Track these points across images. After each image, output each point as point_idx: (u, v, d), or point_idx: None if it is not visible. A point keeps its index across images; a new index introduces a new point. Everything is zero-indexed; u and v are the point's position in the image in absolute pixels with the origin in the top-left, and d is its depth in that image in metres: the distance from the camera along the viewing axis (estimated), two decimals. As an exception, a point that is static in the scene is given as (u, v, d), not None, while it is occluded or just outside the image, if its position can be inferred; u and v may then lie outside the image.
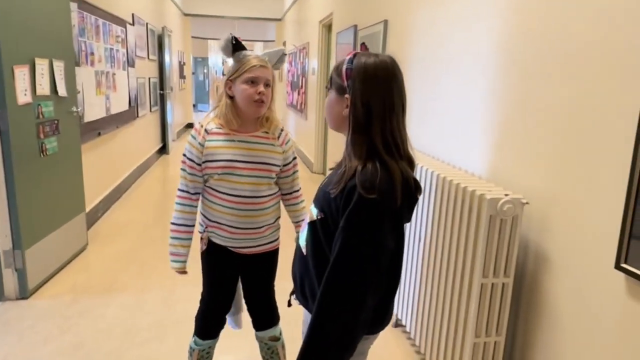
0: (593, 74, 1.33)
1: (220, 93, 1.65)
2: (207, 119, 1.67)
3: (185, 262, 1.67)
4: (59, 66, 2.85)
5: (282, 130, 1.69)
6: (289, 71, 8.90)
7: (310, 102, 6.48)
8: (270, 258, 1.74)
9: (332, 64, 5.13)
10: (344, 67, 1.07)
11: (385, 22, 3.18)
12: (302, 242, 1.19)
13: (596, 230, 1.32)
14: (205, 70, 15.86)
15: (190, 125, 11.06)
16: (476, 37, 1.98)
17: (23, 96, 2.48)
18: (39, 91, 2.63)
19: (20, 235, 2.50)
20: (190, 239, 1.67)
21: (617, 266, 1.23)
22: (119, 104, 4.68)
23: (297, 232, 1.73)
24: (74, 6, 3.32)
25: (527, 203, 1.54)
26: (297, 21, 8.14)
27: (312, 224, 1.13)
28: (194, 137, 1.62)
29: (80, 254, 3.21)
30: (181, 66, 9.80)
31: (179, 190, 1.65)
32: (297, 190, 1.76)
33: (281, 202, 1.74)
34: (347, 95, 1.06)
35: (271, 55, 1.62)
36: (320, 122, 6.07)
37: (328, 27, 5.75)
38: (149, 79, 6.37)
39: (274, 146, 1.64)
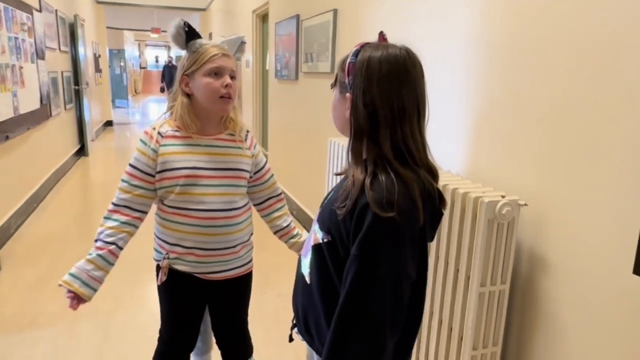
0: (589, 64, 1.24)
1: (175, 91, 1.38)
2: (161, 121, 1.39)
3: (96, 290, 1.30)
4: (-48, 58, 2.35)
5: (247, 132, 1.46)
6: (217, 64, 8.43)
7: (245, 97, 6.16)
8: (244, 283, 1.51)
9: (269, 56, 4.87)
10: (348, 61, 0.89)
11: (335, 11, 3.00)
12: (305, 270, 0.99)
13: (605, 232, 1.24)
14: (122, 63, 14.75)
15: (109, 123, 10.20)
16: (452, 28, 1.86)
17: None
18: None
19: None
20: (113, 264, 1.32)
21: (637, 271, 1.15)
22: (29, 102, 4.08)
23: (290, 236, 1.54)
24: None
25: (525, 205, 1.44)
26: (226, 11, 7.72)
27: (316, 247, 0.94)
28: (144, 143, 1.34)
29: (-8, 281, 2.72)
30: (96, 59, 8.96)
31: (115, 205, 1.32)
32: (279, 194, 1.56)
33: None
34: (348, 94, 0.88)
35: (229, 44, 1.38)
36: (257, 118, 5.78)
37: (263, 18, 5.47)
38: (62, 73, 5.69)
39: (242, 149, 1.41)
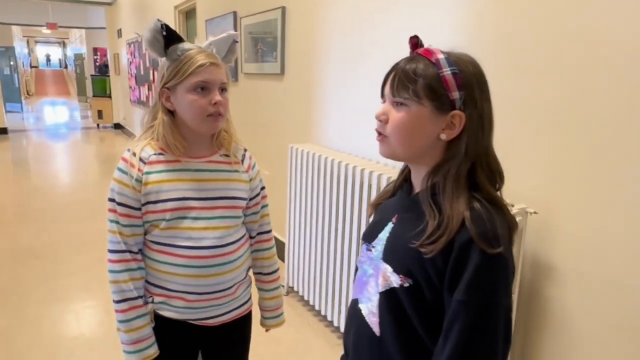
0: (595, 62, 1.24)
1: (154, 107, 1.15)
2: (140, 143, 1.15)
3: (155, 342, 1.16)
4: None
5: (245, 150, 1.26)
6: (130, 63, 7.82)
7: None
8: (243, 326, 1.31)
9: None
10: (447, 71, 0.75)
11: (283, 9, 2.83)
12: (371, 319, 0.84)
13: (617, 238, 1.24)
14: (11, 62, 13.15)
15: (3, 131, 9.01)
16: (432, 24, 1.79)
17: None
18: None
19: None
20: (148, 313, 1.16)
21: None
22: None
23: (270, 288, 1.34)
24: None
25: (535, 213, 1.42)
26: (138, 6, 7.14)
27: (389, 294, 0.80)
28: (124, 172, 1.11)
29: None
30: (-17, 58, 7.84)
31: (114, 252, 1.12)
32: (268, 232, 1.33)
33: None
34: (456, 112, 0.76)
35: (218, 45, 1.14)
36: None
37: (186, 14, 5.11)
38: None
39: (238, 173, 1.20)
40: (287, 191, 2.60)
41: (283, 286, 2.65)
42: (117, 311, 1.13)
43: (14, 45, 13.85)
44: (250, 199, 1.24)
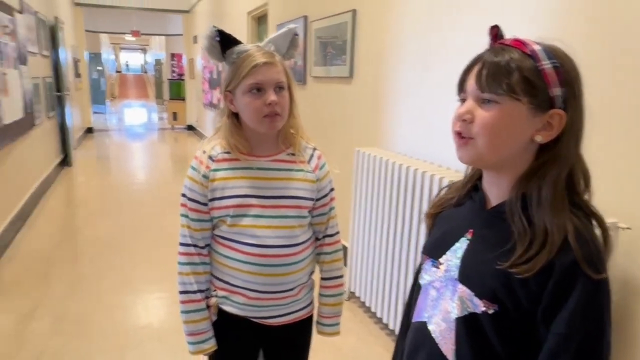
0: None
1: (222, 110, 1.17)
2: (210, 142, 1.17)
3: (213, 337, 1.18)
4: (-64, 66, 2.06)
5: (314, 149, 1.23)
6: (204, 67, 8.18)
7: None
8: (304, 329, 1.29)
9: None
10: (547, 63, 0.67)
11: (354, 12, 2.81)
12: (445, 342, 0.75)
13: None
14: (99, 68, 14.25)
15: (90, 131, 9.77)
16: (507, 23, 1.68)
17: None
18: None
19: None
20: (206, 309, 1.18)
21: None
22: (13, 111, 3.75)
23: (327, 294, 1.28)
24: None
25: (627, 228, 1.28)
26: (214, 13, 7.46)
27: (469, 320, 0.72)
28: (195, 169, 1.14)
29: (-17, 315, 2.43)
30: (75, 63, 8.55)
31: (183, 245, 1.16)
32: (333, 235, 1.27)
33: None
34: (556, 111, 0.68)
35: (278, 42, 1.13)
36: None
37: (258, 19, 5.25)
38: (44, 78, 5.34)
39: (303, 172, 1.17)
40: (351, 195, 2.57)
41: (344, 291, 2.62)
42: (179, 302, 1.16)
43: (101, 51, 14.97)
44: (317, 200, 1.21)
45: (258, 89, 1.07)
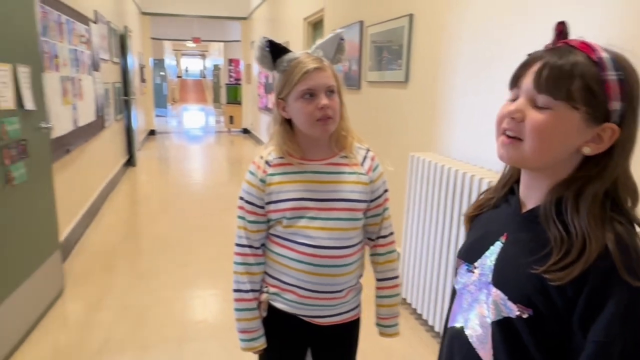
0: None
1: (274, 117, 1.20)
2: (267, 148, 1.21)
3: (263, 336, 1.23)
4: (24, 72, 2.26)
5: (367, 150, 1.24)
6: (260, 73, 8.39)
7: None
8: (351, 330, 1.30)
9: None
10: (612, 75, 0.63)
11: (411, 16, 2.80)
12: (482, 347, 0.75)
13: None
14: (162, 73, 14.99)
15: (152, 133, 10.29)
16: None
17: (-18, 112, 1.90)
18: (2, 105, 2.05)
19: (-16, 294, 1.92)
20: (257, 308, 1.22)
21: None
22: (86, 114, 4.04)
23: (383, 295, 1.29)
24: (35, -2, 2.72)
25: None
26: (270, 19, 7.65)
27: (504, 324, 0.71)
28: (252, 174, 1.18)
29: (56, 302, 2.62)
30: (141, 69, 9.05)
31: (239, 245, 1.20)
32: (387, 236, 1.27)
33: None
34: (610, 125, 0.65)
35: (325, 47, 1.15)
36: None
37: (314, 25, 5.33)
38: (113, 84, 5.70)
39: (356, 175, 1.18)
40: (405, 201, 2.55)
41: (400, 292, 2.59)
42: (233, 300, 1.21)
43: (164, 57, 15.73)
44: (371, 201, 1.22)
45: (310, 94, 1.09)
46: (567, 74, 0.64)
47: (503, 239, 0.75)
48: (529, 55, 0.70)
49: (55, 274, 2.65)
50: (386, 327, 1.31)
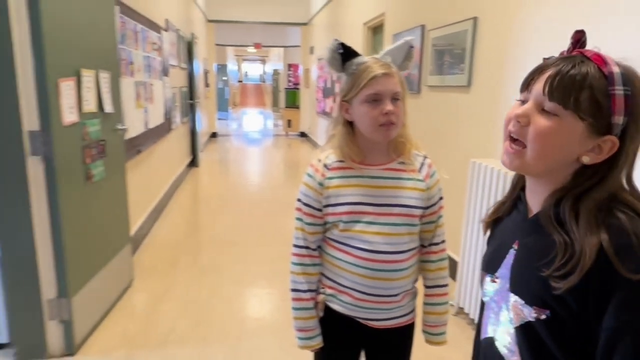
0: None
1: (336, 119, 1.22)
2: (325, 151, 1.24)
3: (320, 335, 1.25)
4: (105, 78, 2.45)
5: (424, 157, 1.23)
6: (319, 77, 8.50)
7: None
8: (405, 335, 1.30)
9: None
10: (619, 90, 0.64)
11: (475, 19, 2.74)
12: (511, 355, 0.75)
13: None
14: (224, 78, 15.57)
15: (213, 135, 10.71)
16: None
17: (69, 115, 2.08)
18: (85, 108, 2.23)
19: (66, 281, 2.09)
20: (314, 308, 1.25)
21: None
22: (156, 117, 4.29)
23: (432, 302, 1.28)
24: (116, 10, 2.93)
25: None
26: (330, 24, 7.74)
27: (525, 328, 0.71)
28: (310, 176, 1.21)
29: (126, 293, 2.80)
30: (205, 74, 9.46)
31: (296, 246, 1.24)
32: (439, 243, 1.27)
33: None
34: (610, 137, 0.66)
35: (394, 54, 1.16)
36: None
37: (374, 30, 5.33)
38: (180, 88, 6.00)
39: (414, 181, 1.19)
40: (464, 208, 2.49)
41: (452, 305, 2.54)
42: (291, 299, 1.25)
43: (227, 63, 16.32)
44: (427, 208, 1.22)
45: (375, 99, 1.11)
46: (577, 85, 0.65)
47: (515, 246, 0.77)
48: (544, 60, 0.72)
49: (126, 265, 2.83)
50: (434, 335, 1.30)
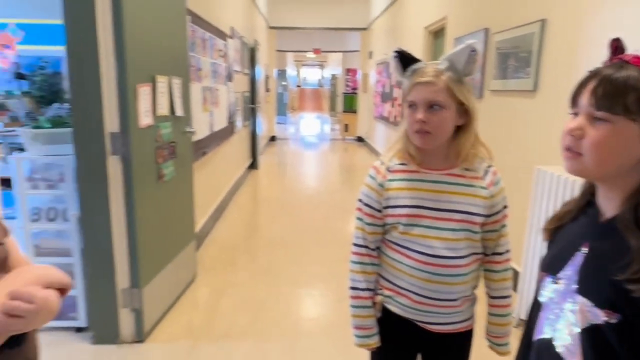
0: None
1: (402, 121, 1.25)
2: (388, 153, 1.27)
3: (377, 334, 1.27)
4: (176, 84, 2.62)
5: (489, 165, 1.23)
6: (377, 82, 8.49)
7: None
8: (463, 341, 1.29)
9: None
10: None
11: (543, 22, 2.65)
12: (571, 357, 0.73)
13: None
14: (283, 83, 15.92)
15: (272, 139, 10.98)
16: None
17: (145, 118, 2.24)
18: (158, 111, 2.39)
19: (138, 272, 2.25)
20: (372, 306, 1.28)
21: None
22: (220, 121, 4.49)
23: (496, 313, 1.27)
24: (187, 19, 3.11)
25: None
26: (390, 29, 7.72)
27: (592, 332, 0.70)
28: (372, 178, 1.24)
29: (190, 287, 2.95)
30: (266, 79, 9.73)
31: (356, 245, 1.27)
32: (503, 253, 1.25)
33: None
34: None
35: (455, 58, 1.13)
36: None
37: (435, 34, 5.26)
38: (242, 93, 6.23)
39: (476, 188, 1.18)
40: (527, 216, 2.41)
41: (513, 317, 2.46)
42: (349, 297, 1.28)
43: (286, 68, 16.67)
44: (489, 216, 1.20)
45: (411, 106, 1.15)
46: (621, 89, 0.67)
47: (584, 248, 0.77)
48: (588, 72, 0.74)
49: (190, 261, 2.99)
50: (497, 345, 1.30)
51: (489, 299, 1.28)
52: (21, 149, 2.36)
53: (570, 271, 0.78)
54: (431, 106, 1.12)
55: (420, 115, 1.12)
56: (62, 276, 0.83)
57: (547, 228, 0.89)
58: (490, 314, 1.29)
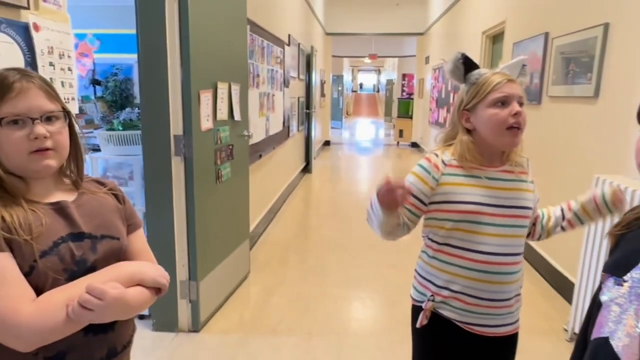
0: None
1: (452, 129, 1.28)
2: (441, 147, 1.29)
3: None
4: (235, 90, 2.77)
5: (527, 159, 1.29)
6: (433, 87, 8.39)
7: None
8: (510, 345, 1.30)
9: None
10: None
11: (606, 25, 2.55)
12: (628, 357, 0.73)
13: None
14: (339, 88, 16.06)
15: (327, 143, 11.11)
16: None
17: (206, 122, 2.40)
18: (218, 116, 2.54)
19: (196, 266, 2.41)
20: None
21: None
22: (276, 125, 4.65)
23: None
24: (247, 28, 3.27)
25: None
26: (447, 34, 7.61)
27: None
28: (425, 169, 1.23)
29: (243, 284, 3.09)
30: (322, 85, 9.88)
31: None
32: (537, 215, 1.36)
33: None
34: None
35: (509, 69, 1.23)
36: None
37: (493, 38, 5.15)
38: (298, 98, 6.38)
39: (525, 182, 1.23)
40: (584, 228, 2.33)
41: (566, 330, 2.39)
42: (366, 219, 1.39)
43: (343, 73, 16.80)
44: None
45: (502, 102, 1.16)
46: None
47: None
48: None
49: (244, 258, 3.13)
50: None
51: (570, 215, 1.31)
52: (94, 150, 2.59)
53: (636, 274, 0.78)
54: (520, 103, 1.18)
55: (517, 107, 1.16)
56: (157, 276, 0.90)
57: (613, 233, 0.89)
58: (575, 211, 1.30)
